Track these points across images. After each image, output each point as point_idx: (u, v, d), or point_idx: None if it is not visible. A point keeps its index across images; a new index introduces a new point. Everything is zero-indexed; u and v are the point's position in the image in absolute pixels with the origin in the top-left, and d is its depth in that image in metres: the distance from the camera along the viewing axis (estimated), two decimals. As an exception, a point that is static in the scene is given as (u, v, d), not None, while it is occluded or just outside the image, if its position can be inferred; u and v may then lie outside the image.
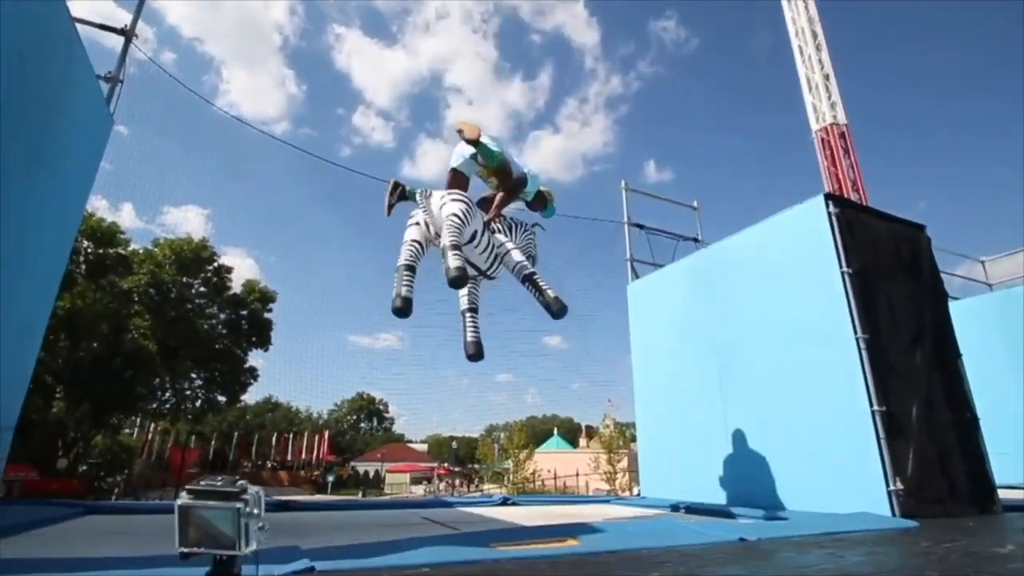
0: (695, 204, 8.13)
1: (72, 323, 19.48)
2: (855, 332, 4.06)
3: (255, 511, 0.63)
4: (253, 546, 0.64)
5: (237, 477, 0.66)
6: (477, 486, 37.58)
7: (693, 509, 4.54)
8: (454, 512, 4.52)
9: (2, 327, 3.70)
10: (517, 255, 3.69)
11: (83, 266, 20.65)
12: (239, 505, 0.62)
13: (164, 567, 1.68)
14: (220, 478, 0.65)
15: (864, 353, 4.01)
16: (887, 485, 3.73)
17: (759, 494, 4.52)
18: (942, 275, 5.11)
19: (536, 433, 43.20)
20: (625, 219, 7.45)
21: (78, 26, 4.18)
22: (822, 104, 28.37)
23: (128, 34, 4.98)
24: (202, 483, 0.64)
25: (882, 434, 3.83)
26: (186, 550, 0.64)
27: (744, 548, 2.51)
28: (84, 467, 26.09)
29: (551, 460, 34.79)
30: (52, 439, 22.24)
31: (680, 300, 5.95)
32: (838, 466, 4.04)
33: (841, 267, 4.24)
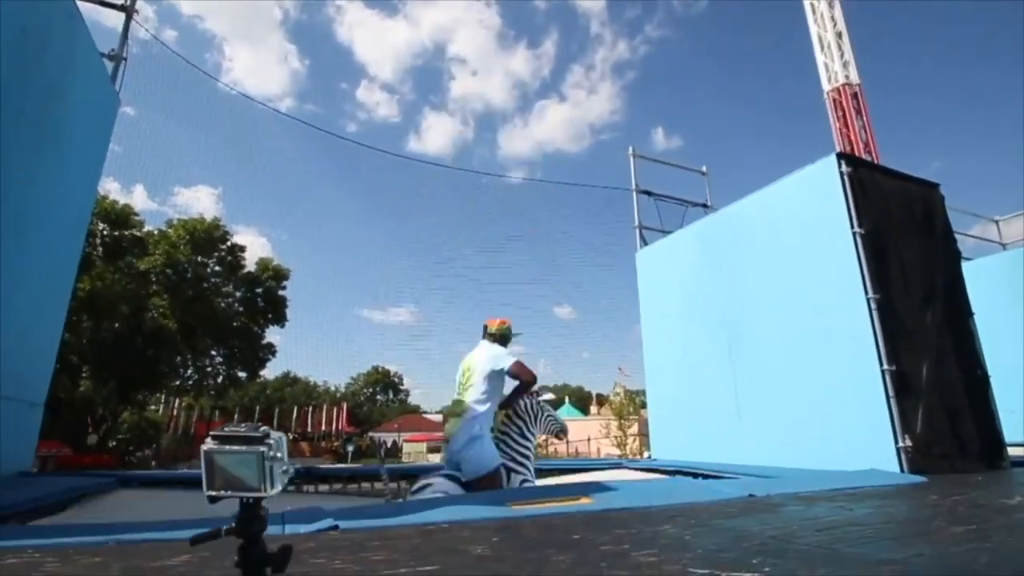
0: (704, 169, 7.99)
1: (93, 304, 19.83)
2: (866, 292, 4.02)
3: (278, 455, 0.65)
4: (278, 488, 0.66)
5: (260, 423, 0.67)
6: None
7: (701, 471, 4.60)
8: (470, 476, 4.62)
9: (25, 308, 3.78)
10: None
11: (100, 248, 20.91)
12: (263, 449, 0.64)
13: (194, 528, 1.75)
14: (244, 424, 0.66)
15: (875, 313, 3.97)
16: (896, 442, 3.75)
17: (769, 455, 4.56)
18: (956, 235, 5.01)
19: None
20: (633, 186, 7.35)
21: (79, 4, 4.13)
22: (834, 64, 27.51)
23: (128, 10, 4.91)
24: (226, 429, 0.66)
25: (891, 392, 3.82)
26: (213, 493, 0.66)
27: (753, 503, 2.54)
28: (113, 443, 26.93)
29: (563, 428, 35.21)
30: (81, 416, 22.92)
31: (689, 266, 5.91)
32: (848, 426, 4.06)
33: (853, 227, 4.17)
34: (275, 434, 0.64)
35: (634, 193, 7.30)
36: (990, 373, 4.40)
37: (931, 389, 4.00)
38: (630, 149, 7.49)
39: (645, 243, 7.08)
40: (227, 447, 0.63)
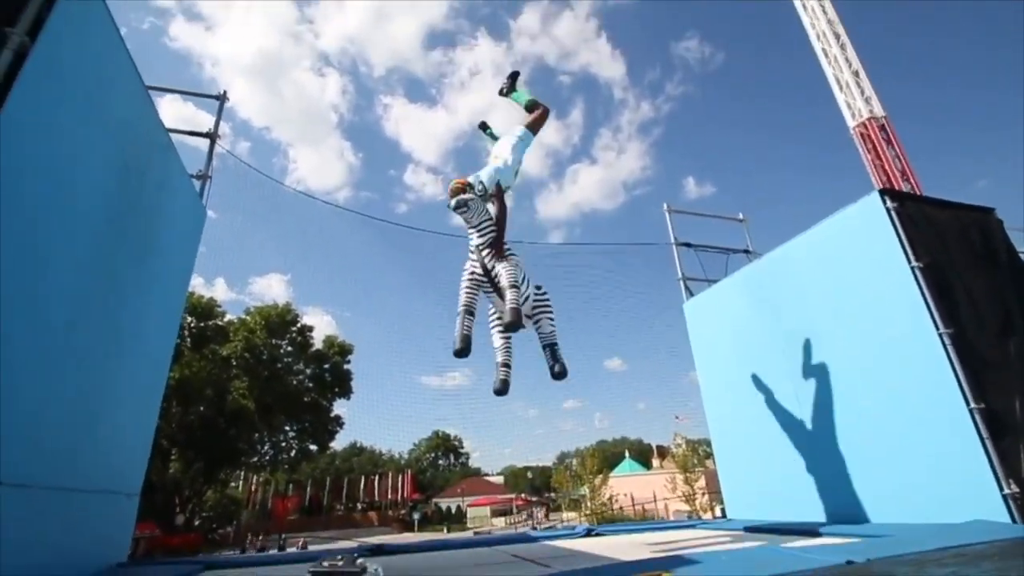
0: (741, 216, 7.82)
1: (183, 391, 20.92)
2: (936, 328, 3.69)
3: (372, 590, 0.60)
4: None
5: (355, 555, 0.64)
6: (546, 516, 36.48)
7: (779, 530, 4.17)
8: (540, 547, 4.36)
9: (124, 405, 3.99)
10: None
11: (188, 340, 22.29)
12: (357, 586, 0.60)
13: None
14: (340, 556, 0.63)
15: (950, 349, 3.62)
16: (1000, 489, 3.29)
17: (854, 508, 4.11)
18: (1022, 256, 4.61)
19: (607, 456, 41.66)
20: (672, 240, 7.25)
21: (171, 135, 4.62)
22: (856, 101, 27.08)
23: (212, 136, 5.45)
24: (325, 564, 0.63)
25: (985, 433, 3.40)
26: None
27: (853, 571, 2.25)
28: (199, 521, 27.42)
29: (626, 484, 33.38)
30: (170, 497, 23.60)
31: (739, 313, 5.66)
32: (939, 472, 3.62)
33: (910, 262, 3.90)
34: (371, 567, 0.60)
35: (674, 247, 7.19)
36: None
37: (1030, 427, 3.54)
38: (665, 205, 7.46)
39: (691, 294, 6.88)
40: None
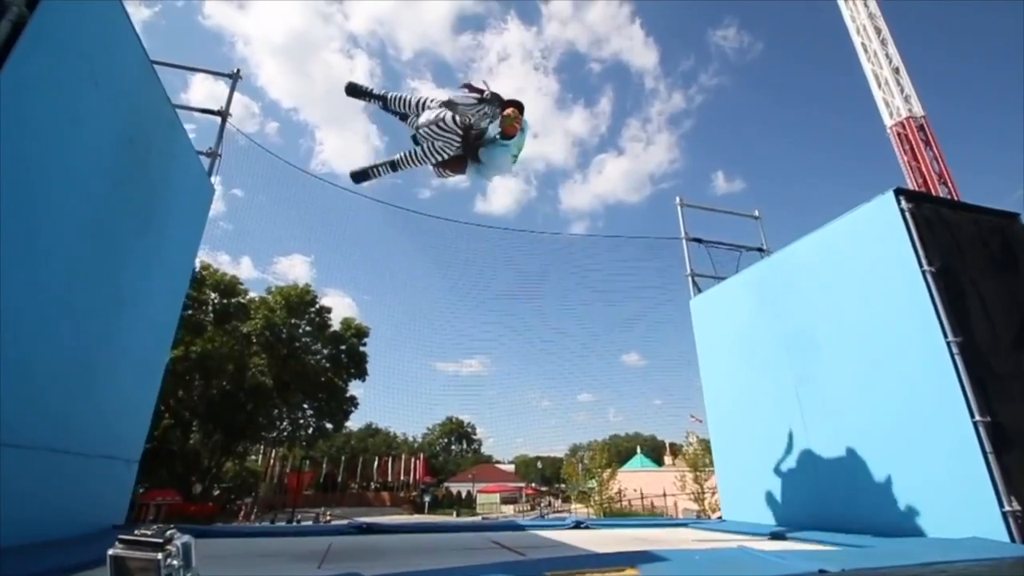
0: (756, 213, 7.59)
1: (204, 364, 21.49)
2: (944, 336, 3.52)
3: (177, 562, 0.58)
4: (181, 601, 0.58)
5: (171, 527, 0.62)
6: (552, 506, 36.60)
7: (768, 533, 4.07)
8: (525, 536, 4.36)
9: (126, 375, 4.10)
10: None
11: (211, 315, 22.88)
12: (160, 556, 0.57)
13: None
14: (154, 527, 0.61)
15: (958, 358, 3.46)
16: (1001, 506, 3.14)
17: (849, 517, 3.98)
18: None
19: (620, 451, 41.59)
20: (682, 235, 7.09)
21: (183, 110, 4.68)
22: (895, 99, 26.01)
23: (223, 114, 5.51)
24: (136, 532, 0.61)
25: (989, 448, 3.24)
26: (116, 603, 0.59)
27: (823, 580, 2.16)
28: (217, 491, 28.31)
29: (636, 479, 33.25)
30: (190, 467, 24.40)
31: (746, 311, 5.51)
32: (938, 485, 3.47)
33: (921, 266, 3.72)
34: (181, 539, 0.58)
35: (684, 241, 7.04)
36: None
37: (1038, 443, 3.36)
38: (677, 199, 7.30)
39: (699, 290, 6.73)
40: (131, 552, 0.58)
